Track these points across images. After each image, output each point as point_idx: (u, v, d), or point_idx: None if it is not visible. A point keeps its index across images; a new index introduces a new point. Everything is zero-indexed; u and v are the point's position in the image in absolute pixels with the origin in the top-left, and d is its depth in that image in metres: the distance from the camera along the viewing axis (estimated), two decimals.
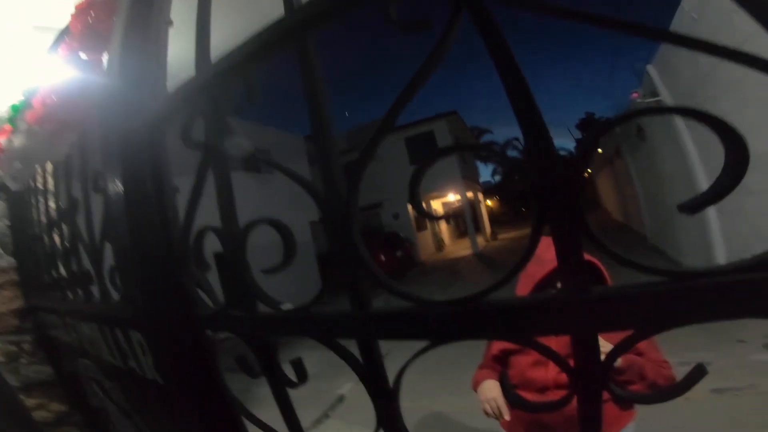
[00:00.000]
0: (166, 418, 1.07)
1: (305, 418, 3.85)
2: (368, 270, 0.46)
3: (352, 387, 4.34)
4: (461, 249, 18.89)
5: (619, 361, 1.16)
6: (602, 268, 1.28)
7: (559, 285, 1.25)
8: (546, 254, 1.25)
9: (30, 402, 1.48)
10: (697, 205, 0.32)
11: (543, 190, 0.34)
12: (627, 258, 0.33)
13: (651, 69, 6.12)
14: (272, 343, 0.65)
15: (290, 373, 0.66)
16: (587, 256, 1.24)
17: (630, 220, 12.54)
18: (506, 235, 21.60)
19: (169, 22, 0.84)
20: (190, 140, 0.65)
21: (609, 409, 1.24)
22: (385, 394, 0.53)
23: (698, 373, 0.35)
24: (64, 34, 1.04)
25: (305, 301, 0.54)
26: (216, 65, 0.59)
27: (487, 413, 1.29)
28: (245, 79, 0.57)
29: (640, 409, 1.35)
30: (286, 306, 0.57)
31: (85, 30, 0.94)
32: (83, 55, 0.95)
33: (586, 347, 0.35)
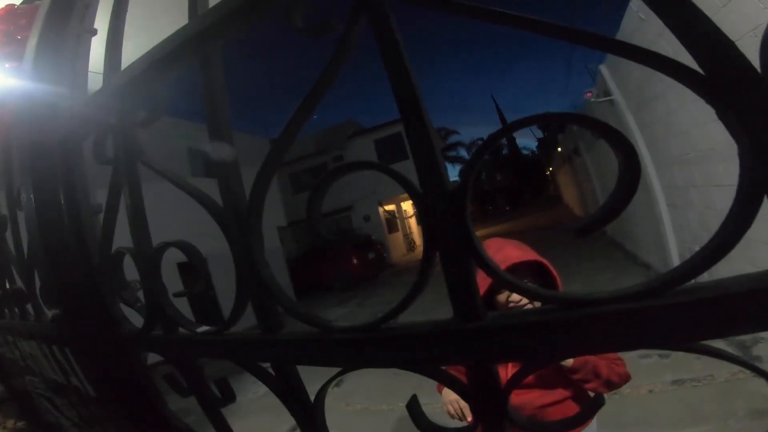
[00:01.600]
0: None
1: (281, 424, 3.76)
2: (272, 293, 0.42)
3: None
4: None
5: (570, 360, 1.13)
6: (552, 269, 1.22)
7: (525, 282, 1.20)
8: (495, 255, 1.20)
9: None
10: (588, 226, 0.29)
11: (430, 215, 0.30)
12: (518, 284, 0.29)
13: (603, 69, 6.04)
14: (197, 363, 0.59)
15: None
16: (538, 258, 1.18)
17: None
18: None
19: (93, 31, 0.77)
20: (103, 157, 0.58)
21: (571, 408, 1.23)
22: (306, 413, 0.49)
23: (596, 404, 0.31)
24: None
25: (217, 326, 0.48)
26: (119, 78, 0.52)
27: (450, 414, 1.26)
28: (151, 91, 0.50)
29: (604, 406, 1.29)
30: (203, 328, 0.52)
31: (5, 37, 0.84)
32: (4, 63, 0.86)
33: (483, 376, 0.32)
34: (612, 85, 5.84)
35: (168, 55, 0.48)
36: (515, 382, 0.32)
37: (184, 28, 0.48)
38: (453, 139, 35.57)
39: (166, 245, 0.49)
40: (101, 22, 0.74)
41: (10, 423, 1.52)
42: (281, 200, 13.13)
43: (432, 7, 0.34)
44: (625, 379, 1.20)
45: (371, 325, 0.36)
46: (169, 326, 0.56)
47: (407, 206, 21.02)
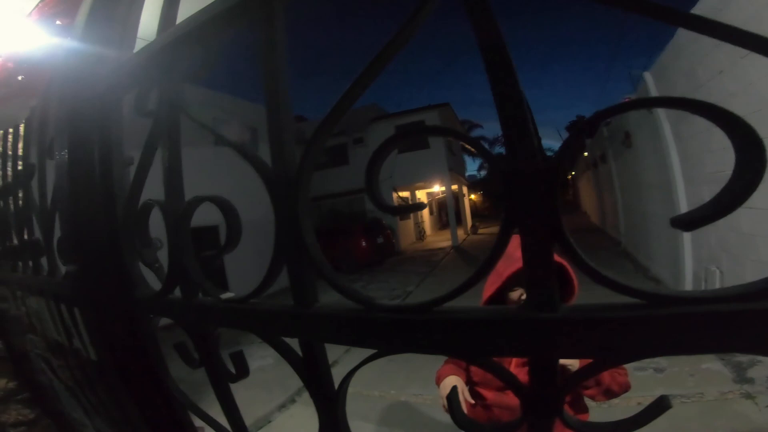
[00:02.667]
0: (111, 401, 0.95)
1: (271, 401, 3.69)
2: (314, 263, 0.38)
3: None
4: (442, 240, 18.30)
5: (576, 363, 1.09)
6: (570, 270, 1.17)
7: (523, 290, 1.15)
8: (516, 252, 1.16)
9: None
10: (695, 220, 0.25)
11: (516, 187, 0.26)
12: (605, 275, 0.26)
13: (648, 76, 5.74)
14: (213, 333, 0.56)
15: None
16: (558, 258, 1.14)
17: (606, 224, 12.25)
18: (486, 230, 20.95)
19: None
20: (144, 110, 0.55)
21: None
22: (329, 398, 0.45)
23: (659, 406, 0.28)
24: None
25: (245, 293, 0.45)
26: (173, 32, 0.50)
27: (445, 409, 1.21)
28: (203, 47, 0.48)
29: (591, 414, 1.28)
30: (227, 295, 0.48)
31: None
32: (57, 21, 0.84)
33: (543, 371, 0.28)
34: (654, 93, 5.53)
35: (229, 10, 0.46)
36: (578, 380, 0.28)
37: None
38: (476, 132, 33.76)
39: (200, 199, 0.46)
40: None
41: (2, 383, 1.47)
42: None
43: None
44: (625, 388, 1.16)
45: (422, 306, 0.32)
46: (189, 290, 0.53)
47: (421, 195, 20.52)
